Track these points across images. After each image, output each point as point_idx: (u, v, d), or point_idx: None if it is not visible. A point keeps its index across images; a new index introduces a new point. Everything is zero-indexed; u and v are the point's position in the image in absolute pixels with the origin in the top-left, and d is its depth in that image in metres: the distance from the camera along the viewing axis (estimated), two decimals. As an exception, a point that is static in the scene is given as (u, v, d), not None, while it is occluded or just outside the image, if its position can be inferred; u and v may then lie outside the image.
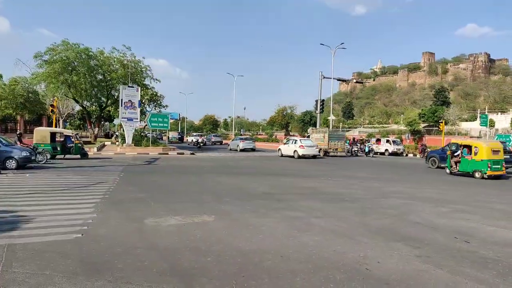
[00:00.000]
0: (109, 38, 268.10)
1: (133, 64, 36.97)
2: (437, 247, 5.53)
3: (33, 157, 15.76)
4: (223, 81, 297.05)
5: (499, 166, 15.96)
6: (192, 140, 46.12)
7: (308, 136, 31.85)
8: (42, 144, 19.44)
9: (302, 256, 4.95)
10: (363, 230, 6.47)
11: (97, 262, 4.51)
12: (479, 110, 69.90)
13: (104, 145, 35.51)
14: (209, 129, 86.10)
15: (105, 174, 13.85)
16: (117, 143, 36.26)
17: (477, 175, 16.00)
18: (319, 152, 27.82)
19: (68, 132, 23.41)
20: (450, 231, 6.54)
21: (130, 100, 29.04)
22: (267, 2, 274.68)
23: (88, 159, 20.76)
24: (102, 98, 40.39)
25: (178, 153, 28.39)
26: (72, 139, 21.20)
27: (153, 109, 39.89)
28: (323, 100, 37.75)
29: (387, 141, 35.67)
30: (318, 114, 37.96)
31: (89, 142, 36.48)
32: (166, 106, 43.34)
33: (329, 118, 53.44)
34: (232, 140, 39.22)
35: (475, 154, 16.08)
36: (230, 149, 35.56)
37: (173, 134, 58.31)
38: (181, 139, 57.50)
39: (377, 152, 33.46)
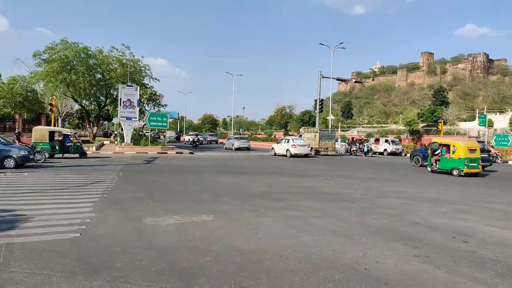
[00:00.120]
0: (108, 37, 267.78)
1: (132, 63, 36.88)
2: (435, 247, 5.54)
3: (31, 156, 15.72)
4: (222, 81, 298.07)
5: (476, 164, 16.72)
6: (189, 139, 47.02)
7: (300, 136, 32.40)
8: (41, 143, 19.39)
9: (301, 255, 4.94)
10: (362, 230, 6.47)
11: (96, 262, 4.50)
12: (477, 110, 70.00)
13: (103, 144, 35.46)
14: (208, 128, 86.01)
15: (104, 173, 13.82)
16: (116, 142, 36.21)
17: (454, 172, 16.81)
18: (310, 151, 28.34)
19: (66, 131, 23.35)
20: (449, 231, 6.55)
21: (129, 99, 29.01)
22: (267, 2, 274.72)
23: (86, 158, 20.72)
24: (101, 97, 40.29)
25: (177, 152, 28.37)
26: (71, 138, 21.15)
27: (152, 108, 39.84)
28: (322, 99, 37.76)
29: (386, 141, 35.71)
30: (317, 114, 37.96)
31: (87, 141, 36.41)
32: (165, 105, 43.24)
33: (328, 117, 53.45)
34: (228, 139, 39.91)
35: (453, 152, 16.90)
36: (226, 148, 36.32)
37: (170, 134, 58.58)
38: (178, 138, 58.15)
39: (376, 152, 33.48)
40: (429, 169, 18.45)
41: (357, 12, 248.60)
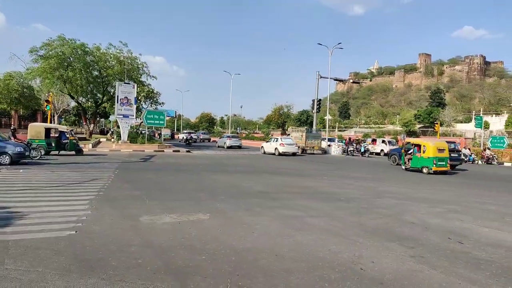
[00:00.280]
0: (105, 34, 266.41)
1: (129, 61, 36.75)
2: (431, 247, 5.56)
3: (27, 153, 15.62)
4: (220, 80, 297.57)
5: (444, 163, 17.85)
6: (183, 137, 48.55)
7: (288, 135, 33.46)
8: (37, 139, 19.28)
9: (297, 255, 4.95)
10: (358, 230, 6.49)
11: (91, 260, 4.48)
12: (474, 111, 70.41)
13: (99, 142, 35.33)
14: (205, 127, 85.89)
15: (100, 171, 13.76)
16: (112, 139, 36.07)
17: (424, 170, 17.86)
18: (298, 149, 29.41)
19: (63, 128, 23.25)
20: (444, 231, 6.58)
21: (126, 97, 28.90)
22: (266, 2, 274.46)
23: (83, 156, 20.61)
24: (98, 94, 40.14)
25: (174, 151, 28.31)
26: (67, 135, 21.06)
27: (149, 106, 39.74)
28: (320, 99, 37.78)
29: (383, 141, 35.80)
30: (315, 114, 37.98)
31: (84, 139, 36.26)
32: (163, 103, 43.23)
33: (325, 117, 53.48)
34: (220, 138, 41.83)
35: (423, 152, 18.00)
36: (218, 146, 38.03)
37: (165, 132, 59.12)
38: (172, 136, 59.70)
39: (373, 152, 33.56)
40: (403, 167, 19.56)
41: (355, 13, 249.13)
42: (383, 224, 7.00)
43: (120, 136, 29.57)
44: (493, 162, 28.57)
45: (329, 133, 46.90)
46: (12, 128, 18.99)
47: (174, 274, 4.17)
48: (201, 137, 54.94)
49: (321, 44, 40.96)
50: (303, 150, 31.42)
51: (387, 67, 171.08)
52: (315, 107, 36.25)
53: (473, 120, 48.41)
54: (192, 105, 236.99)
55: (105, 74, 36.68)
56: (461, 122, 66.75)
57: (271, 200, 9.19)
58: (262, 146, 30.94)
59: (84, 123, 46.32)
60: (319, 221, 7.08)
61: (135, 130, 32.60)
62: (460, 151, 25.27)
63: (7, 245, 4.86)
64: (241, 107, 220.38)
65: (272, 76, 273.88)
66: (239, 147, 36.73)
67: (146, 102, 39.74)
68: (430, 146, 17.83)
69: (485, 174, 20.00)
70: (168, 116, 66.40)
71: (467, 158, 29.26)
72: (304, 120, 65.16)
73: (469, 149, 31.46)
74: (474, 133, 47.24)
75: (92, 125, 45.55)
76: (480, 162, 29.70)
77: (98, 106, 42.10)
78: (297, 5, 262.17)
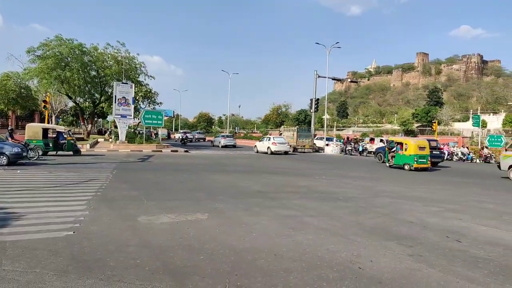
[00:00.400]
0: (103, 34, 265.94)
1: (127, 61, 36.67)
2: (429, 246, 5.57)
3: (24, 153, 15.55)
4: (218, 79, 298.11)
5: (425, 160, 18.46)
6: (179, 137, 50.15)
7: (281, 134, 34.08)
8: (34, 140, 19.21)
9: (295, 254, 4.95)
10: (356, 229, 6.49)
11: (89, 260, 4.46)
12: (471, 110, 70.61)
13: (97, 142, 35.25)
14: (203, 127, 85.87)
15: (98, 171, 13.73)
16: (110, 140, 35.98)
17: (406, 167, 18.55)
18: (289, 148, 29.87)
19: (60, 128, 23.18)
20: (442, 230, 6.59)
21: (124, 97, 28.84)
22: (264, 2, 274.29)
23: (80, 156, 20.56)
24: (96, 95, 40.00)
25: (172, 151, 28.27)
26: (65, 136, 20.98)
27: (147, 106, 39.68)
28: (318, 99, 37.85)
29: (381, 140, 35.79)
30: (313, 113, 38.03)
31: (82, 139, 36.15)
32: (160, 103, 43.27)
33: (323, 117, 53.57)
34: (215, 137, 43.08)
35: (405, 150, 18.64)
36: (213, 145, 39.11)
37: (162, 131, 59.53)
38: (168, 136, 60.94)
39: (371, 152, 33.60)
40: (387, 164, 20.30)
41: (353, 12, 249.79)
42: (381, 223, 7.01)
43: (118, 136, 29.51)
44: (491, 161, 28.66)
45: (327, 132, 46.87)
46: (9, 128, 18.96)
47: (172, 274, 4.16)
48: (196, 137, 56.76)
49: (319, 44, 41.05)
50: (295, 149, 31.91)
51: (385, 66, 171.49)
52: (313, 106, 36.29)
53: (470, 119, 48.50)
54: (190, 105, 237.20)
55: (102, 74, 36.56)
56: (459, 121, 66.98)
57: (270, 199, 9.18)
58: (255, 145, 31.51)
59: (81, 123, 46.17)
60: (318, 220, 7.08)
61: (133, 130, 32.55)
62: (442, 148, 25.90)
63: (4, 246, 4.84)
64: (239, 106, 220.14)
65: (271, 76, 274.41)
66: (234, 146, 37.86)
67: (144, 102, 39.71)
68: (412, 144, 18.44)
69: (465, 171, 20.66)
70: (166, 116, 66.53)
71: (465, 157, 29.50)
72: (302, 119, 65.19)
73: (467, 148, 31.60)
74: (472, 132, 47.35)
75: (89, 125, 45.42)
76: (478, 161, 29.83)
77: (95, 106, 41.98)
78: (295, 5, 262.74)
